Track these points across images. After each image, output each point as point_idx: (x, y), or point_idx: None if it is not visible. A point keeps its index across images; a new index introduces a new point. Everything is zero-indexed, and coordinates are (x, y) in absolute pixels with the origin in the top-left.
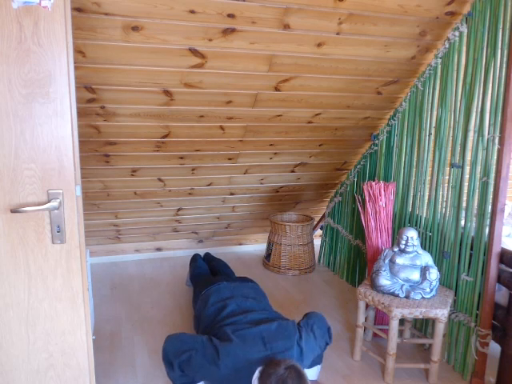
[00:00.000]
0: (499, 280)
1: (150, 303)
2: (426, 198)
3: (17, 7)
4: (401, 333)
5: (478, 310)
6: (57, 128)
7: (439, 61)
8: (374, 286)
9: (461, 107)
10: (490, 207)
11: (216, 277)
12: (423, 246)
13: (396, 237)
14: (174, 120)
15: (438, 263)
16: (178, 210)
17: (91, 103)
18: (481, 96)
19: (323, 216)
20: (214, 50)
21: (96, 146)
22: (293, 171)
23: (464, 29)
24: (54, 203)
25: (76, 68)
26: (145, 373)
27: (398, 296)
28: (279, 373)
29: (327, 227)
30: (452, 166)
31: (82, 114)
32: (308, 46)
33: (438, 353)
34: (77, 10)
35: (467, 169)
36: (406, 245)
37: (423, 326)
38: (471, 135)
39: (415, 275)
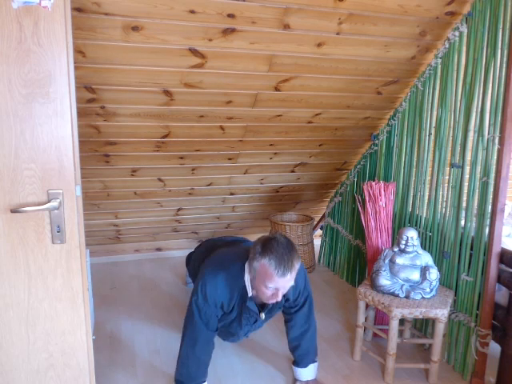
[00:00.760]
0: (499, 280)
1: (150, 303)
2: (426, 198)
3: (17, 7)
4: (401, 333)
5: (478, 310)
6: (57, 128)
7: (439, 61)
8: (374, 286)
9: (461, 107)
10: (490, 207)
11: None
12: (423, 246)
13: (396, 237)
14: (173, 120)
15: (438, 263)
16: (178, 209)
17: (91, 103)
18: (481, 96)
19: (323, 216)
20: (213, 50)
21: (96, 146)
22: (293, 171)
23: (464, 29)
24: (54, 203)
25: (76, 68)
26: (145, 373)
27: (398, 296)
28: (265, 236)
29: (327, 227)
30: (452, 166)
31: (82, 114)
32: (308, 46)
33: (438, 353)
34: (77, 10)
35: (467, 169)
36: (405, 245)
37: (423, 325)
38: (471, 135)
39: (415, 275)
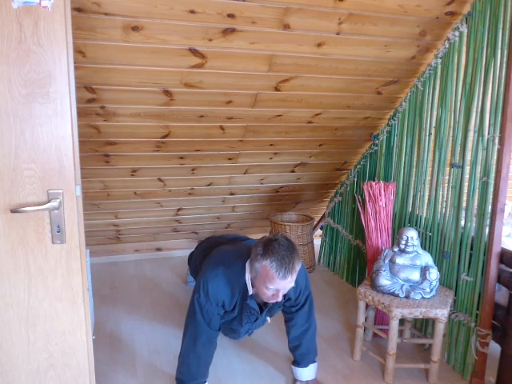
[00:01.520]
0: (499, 280)
1: (150, 303)
2: (426, 198)
3: (17, 7)
4: (401, 333)
5: (478, 310)
6: (57, 128)
7: (439, 61)
8: (374, 286)
9: (461, 107)
10: (490, 207)
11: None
12: (423, 246)
13: (396, 237)
14: (173, 120)
15: (438, 263)
16: (178, 210)
17: (91, 103)
18: (481, 96)
19: (323, 216)
20: (213, 50)
21: (96, 146)
22: (293, 171)
23: (464, 29)
24: (54, 203)
25: (76, 68)
26: (145, 373)
27: (398, 296)
28: (267, 237)
29: (327, 227)
30: (452, 166)
31: (82, 114)
32: (308, 46)
33: (437, 353)
34: (77, 10)
35: (467, 169)
36: (405, 245)
37: (423, 325)
38: (471, 135)
39: (415, 275)
